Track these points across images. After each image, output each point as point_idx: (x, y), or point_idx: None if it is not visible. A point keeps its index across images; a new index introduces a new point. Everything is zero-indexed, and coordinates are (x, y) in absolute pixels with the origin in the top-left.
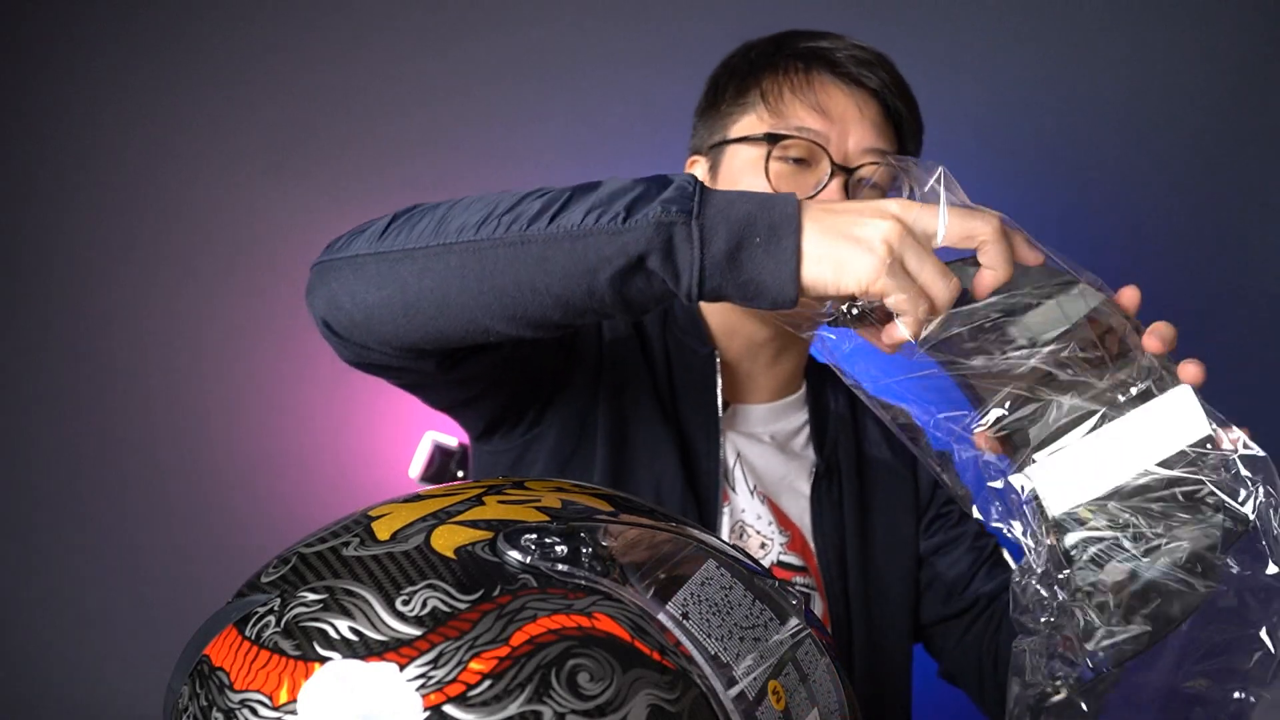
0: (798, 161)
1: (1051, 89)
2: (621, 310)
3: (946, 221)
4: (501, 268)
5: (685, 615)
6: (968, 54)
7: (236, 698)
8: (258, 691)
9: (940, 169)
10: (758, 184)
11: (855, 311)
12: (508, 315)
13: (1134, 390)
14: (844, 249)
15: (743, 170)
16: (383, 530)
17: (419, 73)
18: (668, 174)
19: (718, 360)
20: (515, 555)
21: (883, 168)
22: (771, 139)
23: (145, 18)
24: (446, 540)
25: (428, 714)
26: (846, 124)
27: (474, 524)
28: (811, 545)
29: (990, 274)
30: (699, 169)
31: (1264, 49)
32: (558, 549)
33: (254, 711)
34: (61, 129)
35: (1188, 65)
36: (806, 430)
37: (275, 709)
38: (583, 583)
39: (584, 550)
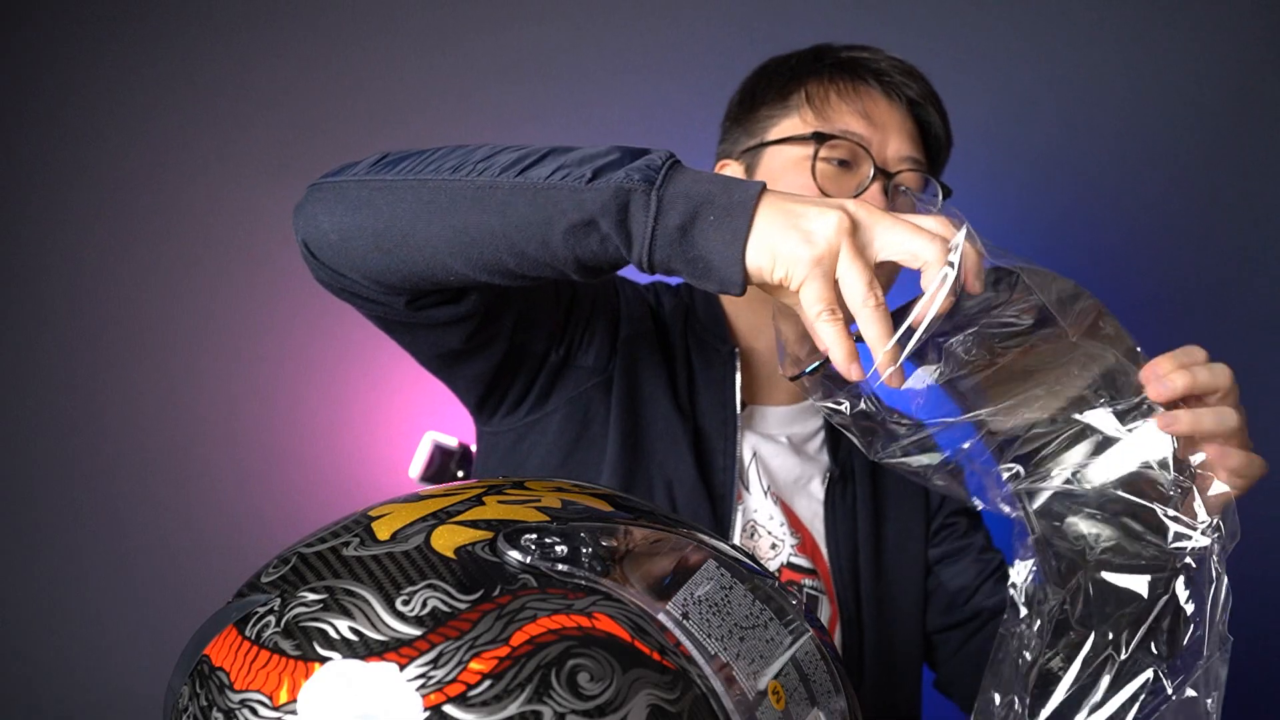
0: (841, 164)
1: (1051, 88)
2: (575, 269)
3: (894, 236)
4: (465, 207)
5: (685, 615)
6: (967, 54)
7: (236, 698)
8: (258, 691)
9: (965, 225)
10: (802, 183)
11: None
12: (465, 256)
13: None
14: (786, 239)
15: (785, 169)
16: (383, 530)
17: (420, 74)
18: (651, 148)
19: (738, 358)
20: (515, 555)
21: (914, 174)
22: (820, 138)
23: (146, 19)
24: (446, 540)
25: (428, 714)
26: (888, 131)
27: (474, 524)
28: (823, 548)
29: (929, 303)
30: (730, 172)
31: (1264, 48)
32: (558, 549)
33: (254, 711)
34: (62, 130)
35: (1188, 65)
36: (822, 435)
37: (275, 709)
38: (583, 583)
39: (584, 550)
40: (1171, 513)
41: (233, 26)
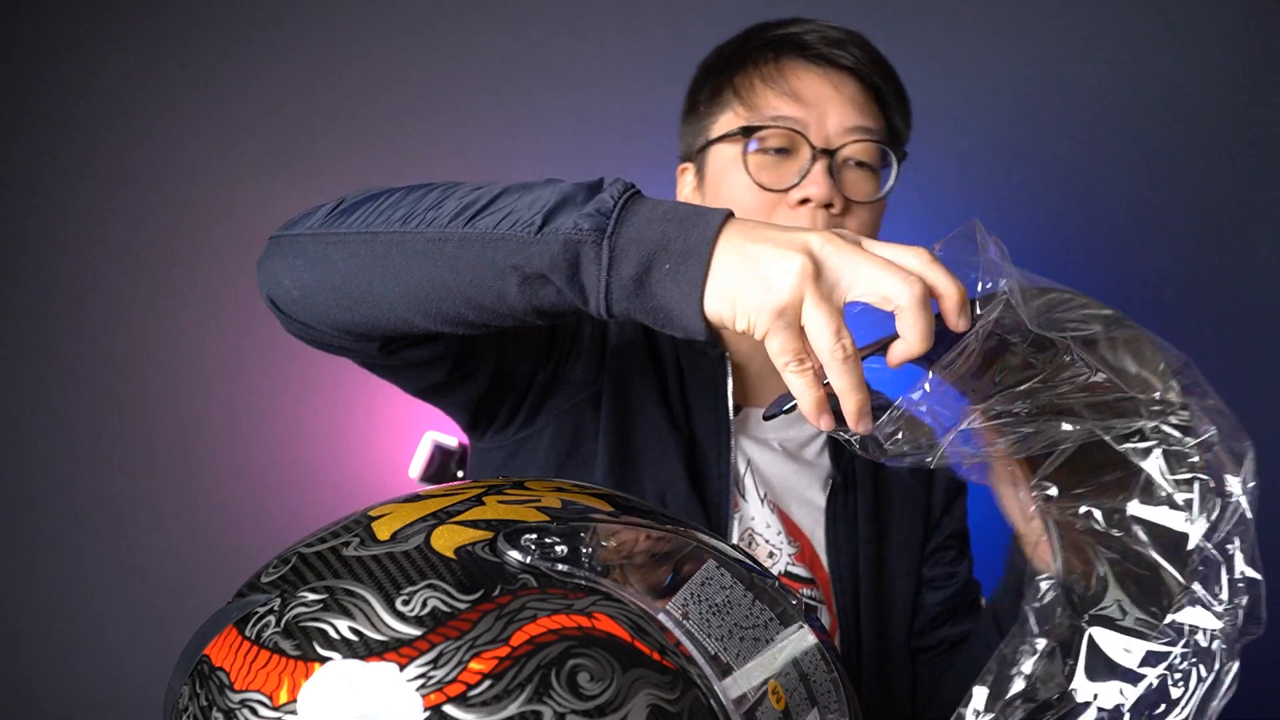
0: (779, 151)
1: (1051, 88)
2: (536, 318)
3: (863, 275)
4: (417, 262)
5: (685, 615)
6: (967, 54)
7: (236, 698)
8: (258, 691)
9: (983, 231)
10: (739, 181)
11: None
12: (423, 311)
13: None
14: (745, 288)
15: (724, 169)
16: (383, 530)
17: (422, 74)
18: (604, 180)
19: (729, 362)
20: (515, 555)
21: (869, 145)
22: (746, 132)
23: (148, 19)
24: (446, 540)
25: (428, 714)
26: (824, 106)
27: (474, 524)
28: (822, 557)
29: (903, 346)
30: (689, 175)
31: (1265, 48)
32: (558, 549)
33: (254, 711)
34: (65, 130)
35: (1188, 64)
36: (821, 439)
37: (275, 709)
38: (583, 583)
39: (584, 550)
40: (1197, 588)
41: (235, 27)
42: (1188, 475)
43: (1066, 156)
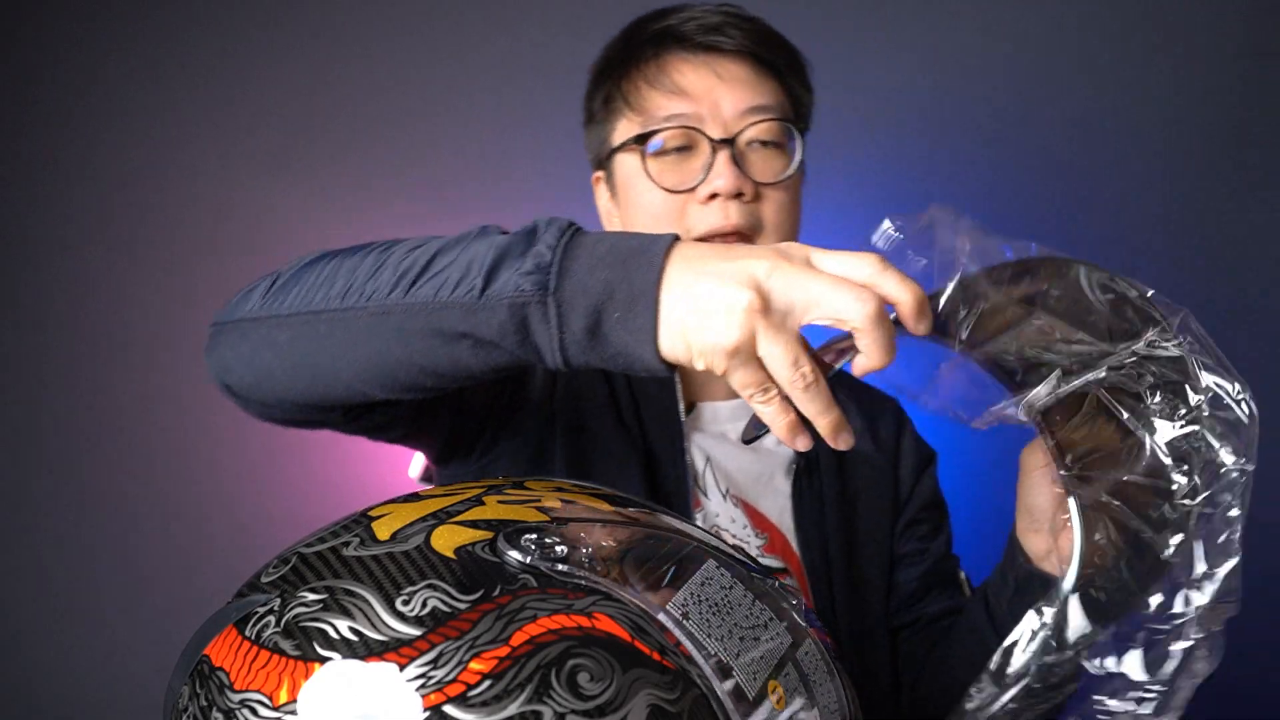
0: (680, 150)
1: (1051, 88)
2: (495, 374)
3: (813, 297)
4: (364, 339)
5: (685, 615)
6: (966, 54)
7: (236, 698)
8: (258, 691)
9: (933, 211)
10: (645, 187)
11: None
12: (379, 382)
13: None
14: (696, 330)
15: (629, 179)
16: (383, 530)
17: (422, 74)
18: (539, 225)
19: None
20: (515, 555)
21: (769, 124)
22: (641, 139)
23: (148, 20)
24: (446, 540)
25: (428, 714)
26: (714, 96)
27: (474, 524)
28: (793, 543)
29: (864, 362)
30: (602, 185)
31: (1265, 48)
32: (558, 549)
33: (254, 711)
34: (63, 130)
35: (1188, 64)
36: None
37: (275, 709)
38: (583, 583)
39: (584, 550)
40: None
41: (235, 28)
42: (1184, 433)
43: (1067, 156)
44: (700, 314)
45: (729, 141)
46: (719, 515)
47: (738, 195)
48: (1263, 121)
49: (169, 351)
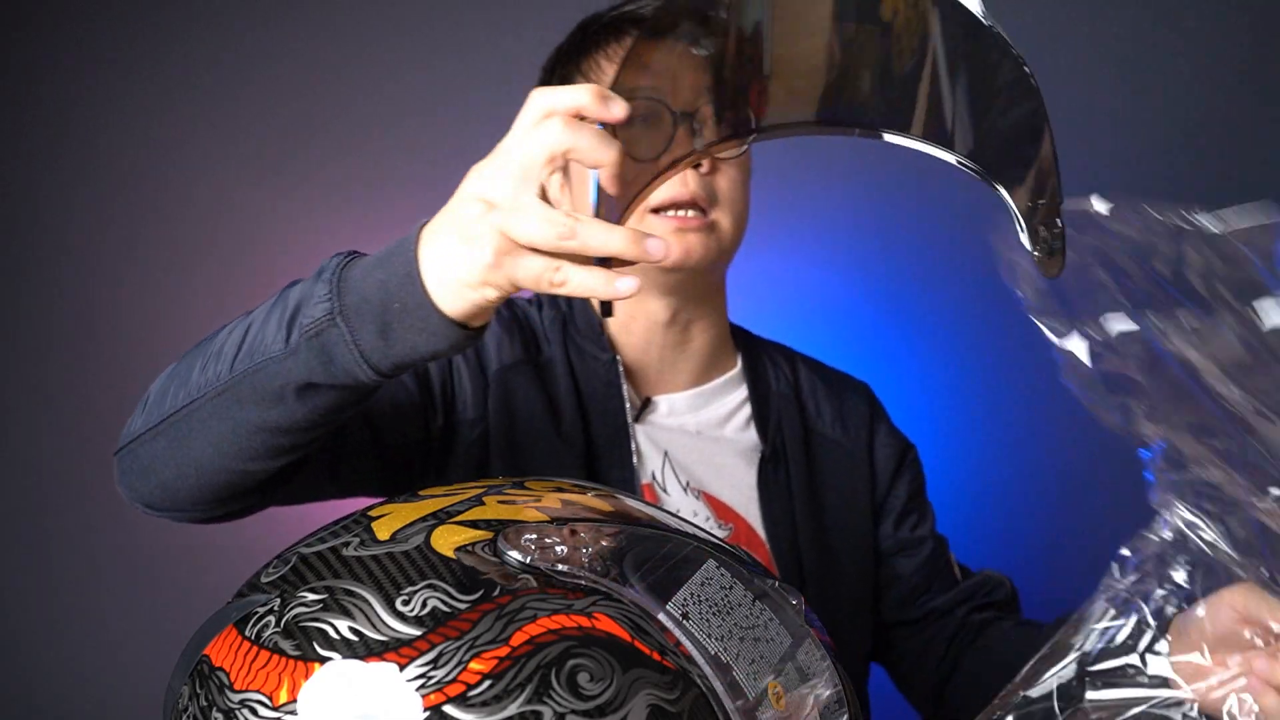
0: (643, 120)
1: (1050, 90)
2: (339, 415)
3: (517, 159)
4: (213, 422)
5: (685, 615)
6: None
7: (236, 698)
8: (258, 691)
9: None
10: None
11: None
12: (245, 457)
13: None
14: (455, 263)
15: None
16: (383, 530)
17: (421, 74)
18: (323, 264)
19: (619, 365)
20: (515, 555)
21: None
22: None
23: (148, 20)
24: (446, 540)
25: (427, 714)
26: (675, 70)
27: (474, 524)
28: (761, 533)
29: (594, 166)
30: (555, 176)
31: (1265, 48)
32: (558, 549)
33: (254, 711)
34: (63, 130)
35: (1188, 64)
36: (745, 412)
37: (275, 709)
38: (583, 583)
39: (584, 550)
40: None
41: (235, 28)
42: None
43: (1067, 156)
44: (454, 256)
45: (690, 115)
46: (680, 510)
47: (696, 166)
48: (1264, 120)
49: (169, 351)
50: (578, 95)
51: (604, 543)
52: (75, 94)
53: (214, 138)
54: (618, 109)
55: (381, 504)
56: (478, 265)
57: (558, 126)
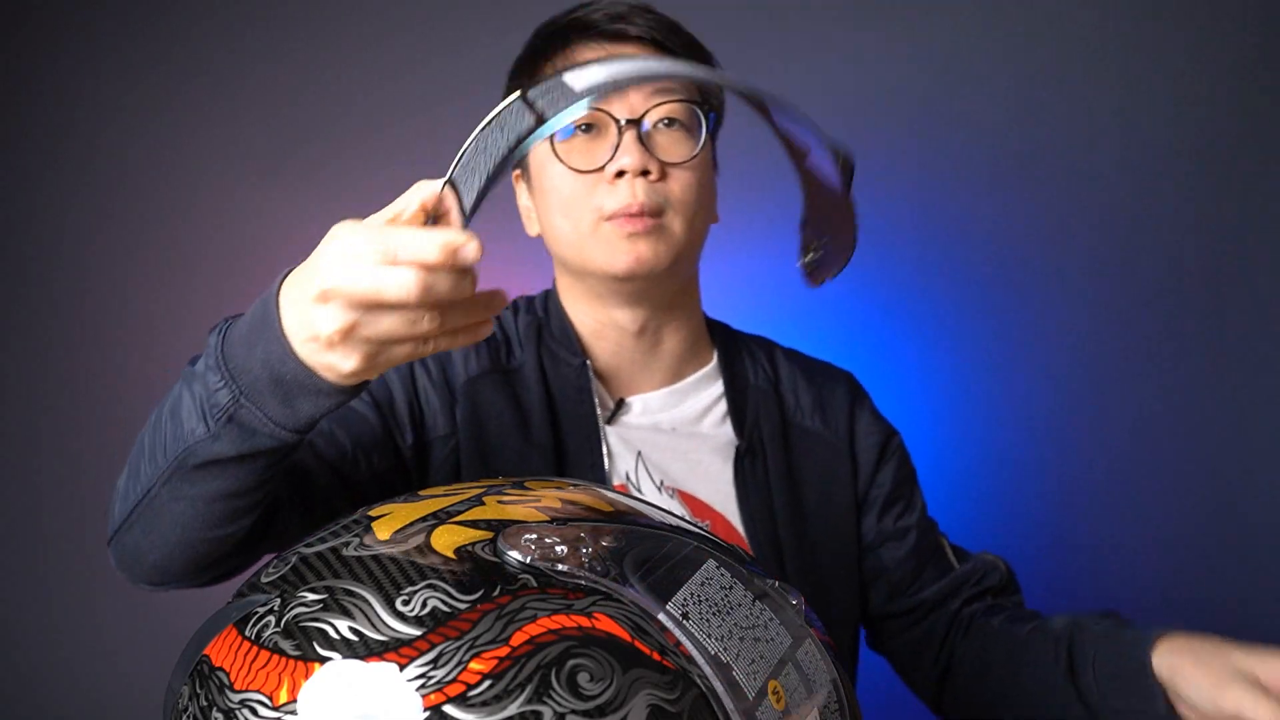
0: (587, 131)
1: (1049, 90)
2: (284, 460)
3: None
4: (172, 504)
5: (685, 615)
6: (965, 54)
7: (236, 698)
8: (258, 691)
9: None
10: (556, 170)
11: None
12: (213, 525)
13: None
14: (317, 346)
15: (542, 165)
16: (383, 530)
17: (421, 74)
18: (210, 337)
19: (590, 369)
20: (515, 555)
21: (680, 105)
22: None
23: (148, 20)
24: (446, 540)
25: (428, 714)
26: None
27: (474, 524)
28: (740, 529)
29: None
30: (521, 183)
31: (1265, 48)
32: (558, 549)
33: (254, 711)
34: (63, 130)
35: (1188, 64)
36: (720, 407)
37: (275, 709)
38: (583, 583)
39: (584, 550)
40: None
41: (235, 28)
42: None
43: (1067, 156)
44: (313, 341)
45: (635, 122)
46: None
47: (644, 173)
48: (1263, 122)
49: (169, 351)
50: (426, 248)
51: (604, 543)
52: (75, 94)
53: (214, 138)
54: (469, 253)
55: (381, 504)
56: (337, 351)
57: (383, 272)
